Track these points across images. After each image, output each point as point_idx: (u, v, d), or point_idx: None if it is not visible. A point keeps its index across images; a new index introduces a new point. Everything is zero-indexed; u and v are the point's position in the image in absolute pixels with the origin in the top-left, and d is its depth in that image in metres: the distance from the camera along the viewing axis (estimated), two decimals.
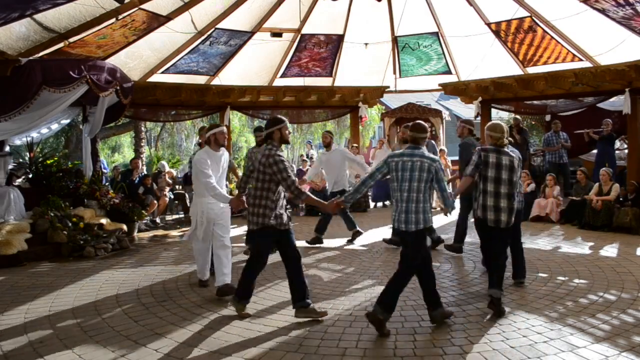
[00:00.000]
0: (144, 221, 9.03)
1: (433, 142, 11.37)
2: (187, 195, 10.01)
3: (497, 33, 9.54)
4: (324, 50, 10.76)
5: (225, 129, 5.15)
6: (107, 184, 10.65)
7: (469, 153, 5.51)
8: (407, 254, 4.08)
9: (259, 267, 4.43)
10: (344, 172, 7.80)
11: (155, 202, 9.45)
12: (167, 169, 11.90)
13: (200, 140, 5.89)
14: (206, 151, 4.96)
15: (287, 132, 4.33)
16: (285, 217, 4.32)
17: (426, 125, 4.28)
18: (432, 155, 4.08)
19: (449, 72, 11.13)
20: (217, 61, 10.17)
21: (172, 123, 20.08)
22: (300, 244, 7.40)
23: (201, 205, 5.01)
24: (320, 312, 4.28)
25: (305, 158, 12.50)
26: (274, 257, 6.70)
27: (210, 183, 4.73)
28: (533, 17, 8.79)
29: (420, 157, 4.01)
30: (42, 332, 4.11)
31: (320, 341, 3.82)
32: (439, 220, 8.74)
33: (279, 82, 11.21)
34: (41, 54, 7.34)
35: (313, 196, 4.55)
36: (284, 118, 4.39)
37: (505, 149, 4.47)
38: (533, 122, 16.36)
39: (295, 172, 9.25)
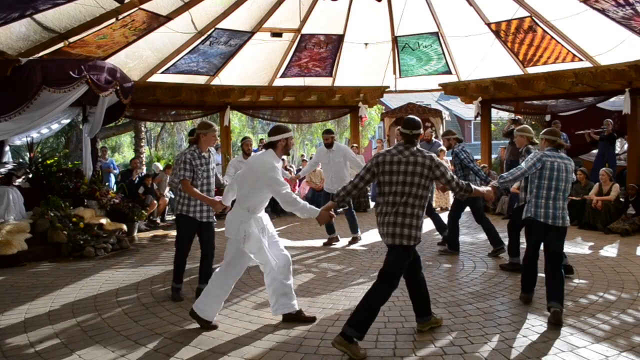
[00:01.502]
0: (144, 221, 9.03)
1: (439, 142, 11.42)
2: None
3: (497, 33, 9.54)
4: (324, 50, 10.75)
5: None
6: (112, 184, 10.67)
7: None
8: (560, 247, 4.43)
9: (392, 290, 3.72)
10: (344, 171, 7.52)
11: (155, 202, 9.45)
12: (161, 168, 11.86)
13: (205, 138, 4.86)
14: (274, 157, 4.04)
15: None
16: None
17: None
18: (567, 157, 4.58)
19: (449, 72, 11.12)
20: (217, 61, 10.16)
21: (172, 123, 20.09)
22: (301, 243, 7.41)
23: (252, 222, 4.01)
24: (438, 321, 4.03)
25: (305, 158, 12.51)
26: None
27: (292, 195, 3.93)
28: (533, 17, 8.79)
29: (568, 159, 4.52)
30: (42, 332, 4.12)
31: (320, 341, 3.82)
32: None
33: (279, 82, 11.21)
34: (41, 54, 7.33)
35: (478, 188, 4.20)
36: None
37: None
38: (533, 122, 16.36)
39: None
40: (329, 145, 7.53)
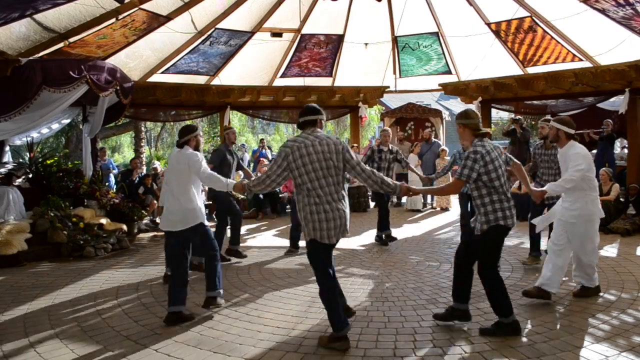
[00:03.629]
0: (144, 221, 9.03)
1: (439, 142, 11.40)
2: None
3: (497, 33, 9.54)
4: (324, 50, 10.76)
5: None
6: (112, 184, 10.67)
7: None
8: None
9: None
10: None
11: (155, 202, 9.44)
12: (160, 168, 11.85)
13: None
14: None
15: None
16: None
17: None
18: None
19: (449, 72, 11.13)
20: (217, 61, 10.16)
21: (172, 123, 20.09)
22: (300, 243, 7.40)
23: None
24: None
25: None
26: (282, 258, 6.71)
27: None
28: (533, 17, 8.79)
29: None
30: (42, 332, 4.12)
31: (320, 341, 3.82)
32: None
33: (279, 82, 11.21)
34: (41, 54, 7.33)
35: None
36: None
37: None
38: (533, 122, 16.39)
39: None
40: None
